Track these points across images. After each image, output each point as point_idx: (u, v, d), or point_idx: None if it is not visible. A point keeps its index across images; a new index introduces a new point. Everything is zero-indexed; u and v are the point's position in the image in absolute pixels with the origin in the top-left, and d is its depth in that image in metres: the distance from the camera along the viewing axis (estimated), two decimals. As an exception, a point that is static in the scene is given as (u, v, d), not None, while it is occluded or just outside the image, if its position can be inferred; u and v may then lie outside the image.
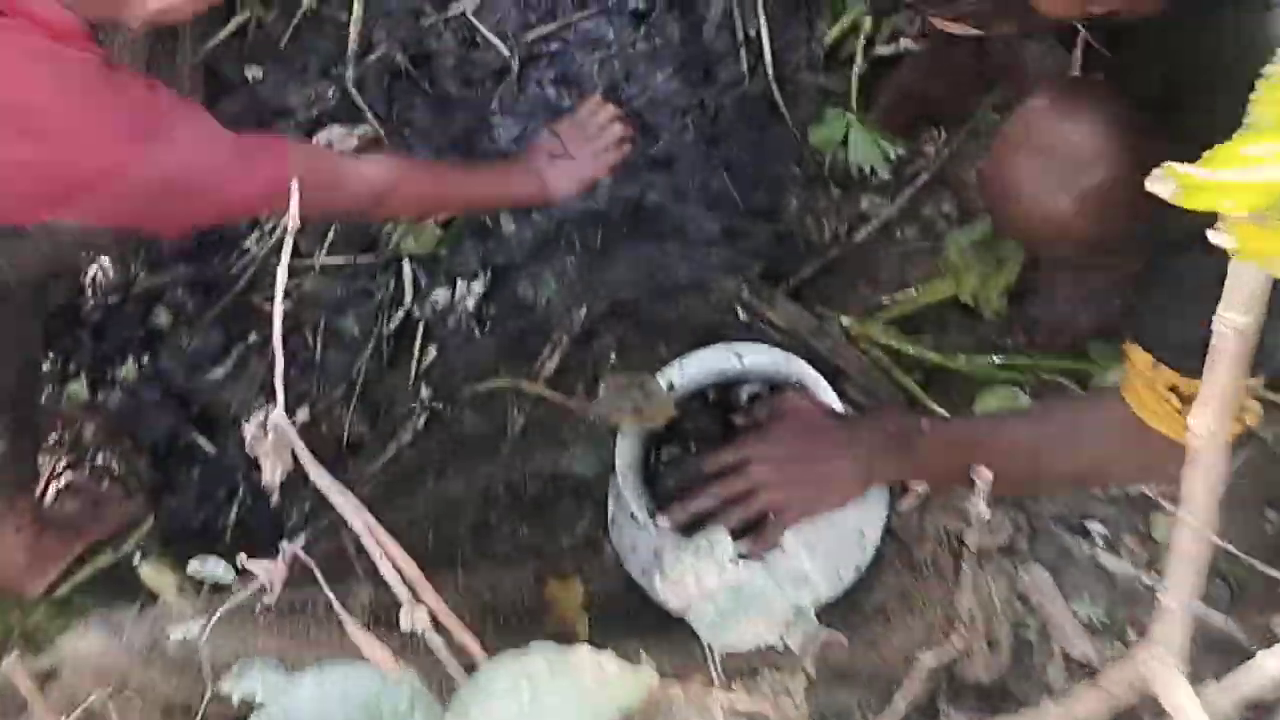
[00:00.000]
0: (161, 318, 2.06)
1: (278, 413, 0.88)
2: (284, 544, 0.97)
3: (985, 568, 1.62)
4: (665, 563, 1.58)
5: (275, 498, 1.22)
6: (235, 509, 1.95)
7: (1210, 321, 1.08)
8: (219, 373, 1.99)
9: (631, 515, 1.58)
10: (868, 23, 1.96)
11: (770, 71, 2.00)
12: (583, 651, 0.75)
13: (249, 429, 0.90)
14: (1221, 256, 1.09)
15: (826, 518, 1.50)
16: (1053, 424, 1.33)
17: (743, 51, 2.03)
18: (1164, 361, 1.17)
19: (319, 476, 0.87)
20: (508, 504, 1.82)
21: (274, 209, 1.53)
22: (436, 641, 0.86)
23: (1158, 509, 1.67)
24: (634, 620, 1.55)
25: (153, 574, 1.76)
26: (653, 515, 1.53)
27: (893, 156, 1.88)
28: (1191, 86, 1.13)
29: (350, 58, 2.10)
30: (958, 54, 1.83)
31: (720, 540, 1.47)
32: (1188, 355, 1.11)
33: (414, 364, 1.99)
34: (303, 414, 1.97)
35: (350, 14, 2.12)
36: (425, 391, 1.94)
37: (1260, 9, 1.05)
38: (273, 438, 0.90)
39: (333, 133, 2.06)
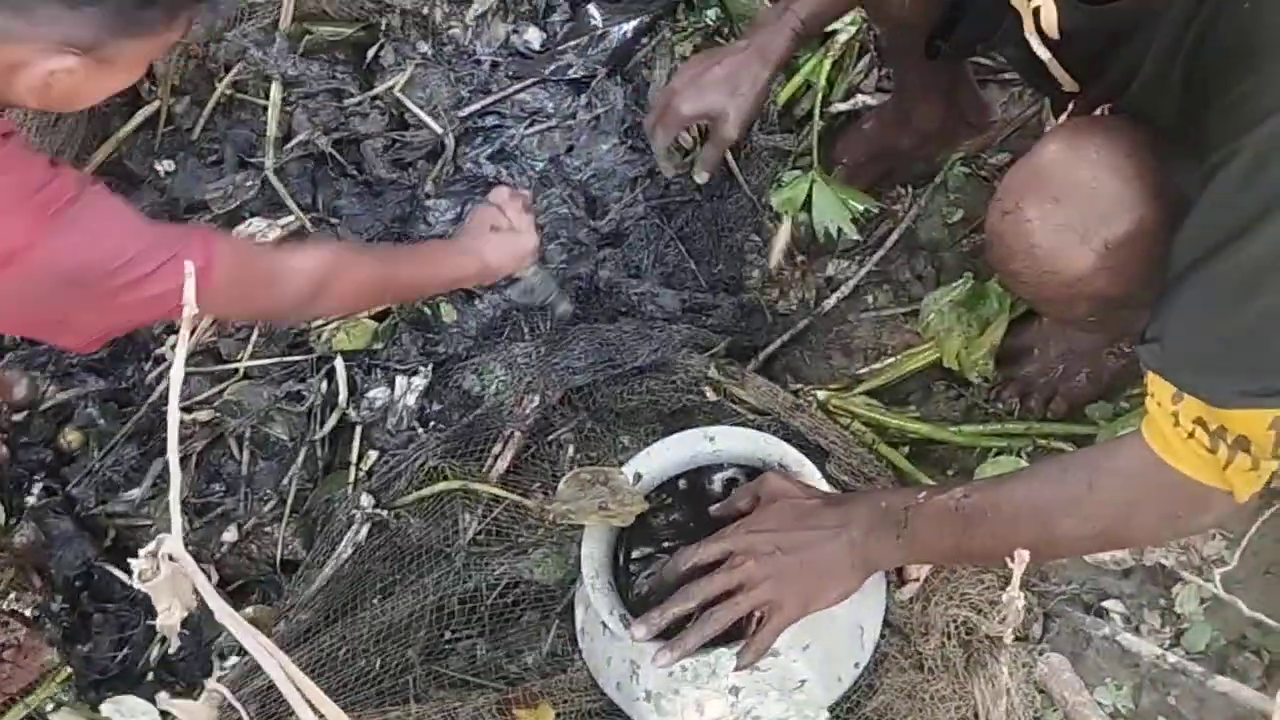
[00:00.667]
0: (71, 436, 1.87)
1: (172, 540, 0.71)
2: (208, 683, 0.81)
3: (999, 658, 1.47)
4: (646, 681, 1.42)
5: (175, 642, 1.03)
6: (159, 645, 1.75)
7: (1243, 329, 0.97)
8: (135, 494, 1.81)
9: (603, 625, 1.42)
10: (822, 79, 1.85)
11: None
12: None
13: (137, 562, 0.73)
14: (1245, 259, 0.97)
15: (823, 615, 1.35)
16: (1066, 478, 1.18)
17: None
18: (1189, 390, 1.03)
19: (225, 617, 0.70)
20: (463, 620, 1.63)
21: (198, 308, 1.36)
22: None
23: (1180, 580, 1.53)
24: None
25: (68, 726, 1.57)
26: (626, 623, 1.37)
27: (859, 215, 1.76)
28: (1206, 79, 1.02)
29: (270, 144, 1.95)
30: (923, 105, 1.73)
31: (722, 664, 1.31)
32: (1229, 384, 1.01)
33: (352, 470, 1.81)
34: (230, 534, 1.80)
35: (268, 99, 1.97)
36: (365, 500, 1.76)
37: None
38: (166, 571, 0.72)
39: (254, 225, 1.91)
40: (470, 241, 1.64)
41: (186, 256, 1.19)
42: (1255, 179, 0.96)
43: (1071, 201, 1.15)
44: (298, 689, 0.67)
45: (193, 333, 1.85)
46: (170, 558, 0.72)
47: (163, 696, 0.92)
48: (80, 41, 1.15)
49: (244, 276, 1.35)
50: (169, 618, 0.74)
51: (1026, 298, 1.35)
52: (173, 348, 1.87)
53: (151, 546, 0.72)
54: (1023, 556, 0.99)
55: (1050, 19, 1.19)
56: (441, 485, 1.70)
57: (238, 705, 0.83)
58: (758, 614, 1.32)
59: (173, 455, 0.73)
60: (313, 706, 0.68)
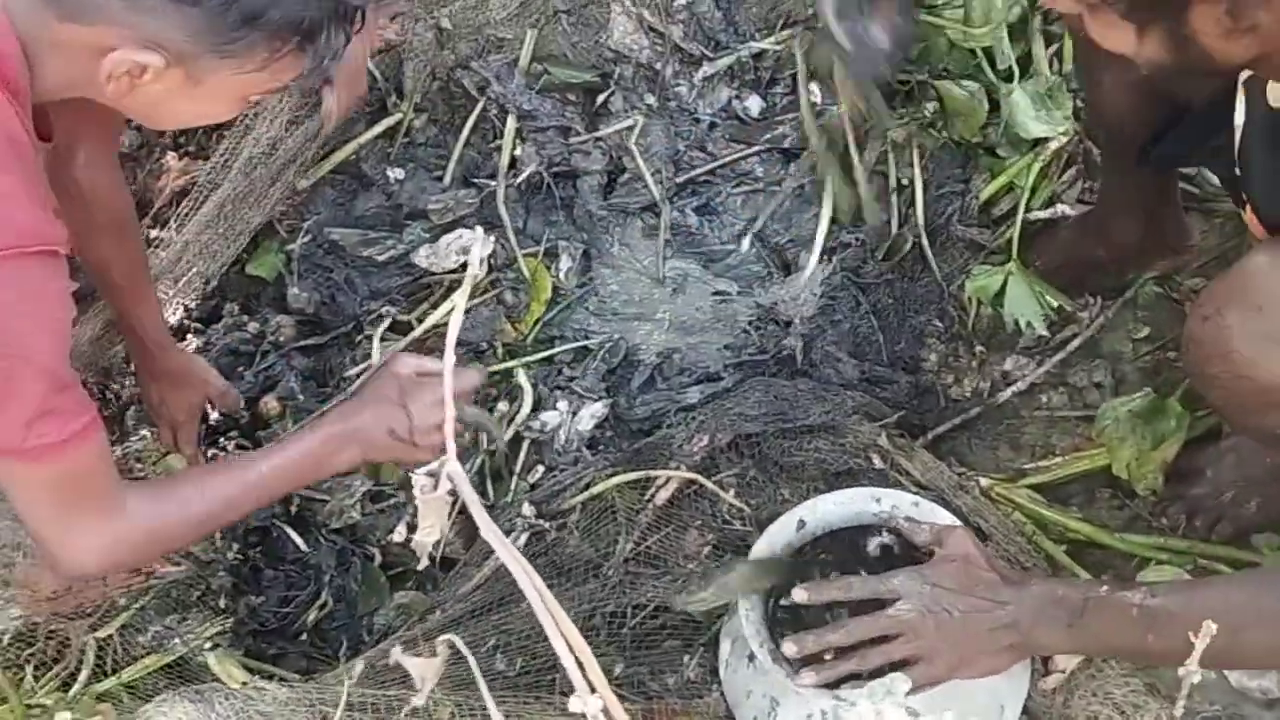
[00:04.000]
0: (270, 405, 2.00)
1: (452, 463, 0.80)
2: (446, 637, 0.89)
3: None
4: (785, 712, 1.47)
5: (424, 561, 1.12)
6: (318, 610, 1.85)
7: None
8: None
9: (749, 656, 1.46)
10: (1028, 183, 1.92)
11: (921, 221, 1.95)
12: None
13: (418, 477, 0.82)
14: None
15: (969, 686, 1.38)
16: (1264, 593, 1.22)
17: (894, 198, 1.98)
18: None
19: (489, 532, 0.78)
20: (608, 637, 1.70)
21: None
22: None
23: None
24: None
25: (219, 667, 1.66)
26: (775, 658, 1.42)
27: (1051, 311, 1.81)
28: None
29: (502, 170, 2.09)
30: (1123, 219, 1.77)
31: (898, 686, 1.35)
32: None
33: (515, 479, 1.91)
34: (400, 530, 1.88)
35: (503, 126, 2.12)
36: (528, 509, 1.86)
37: None
38: (443, 490, 0.81)
39: (467, 238, 2.05)
40: (357, 437, 1.45)
41: (68, 419, 1.16)
42: None
43: (1274, 310, 1.18)
44: (547, 609, 0.75)
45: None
46: (449, 478, 0.81)
47: (396, 650, 0.99)
48: (171, 43, 1.13)
49: (76, 485, 1.24)
50: (429, 535, 0.83)
51: (1217, 404, 1.37)
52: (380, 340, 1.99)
53: (434, 465, 0.82)
54: (1194, 676, 1.01)
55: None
56: (601, 487, 1.77)
57: (468, 654, 0.90)
58: None
59: (448, 382, 0.82)
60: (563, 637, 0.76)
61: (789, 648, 1.38)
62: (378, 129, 2.17)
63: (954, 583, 1.34)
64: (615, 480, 1.82)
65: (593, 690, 0.72)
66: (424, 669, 0.92)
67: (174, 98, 1.19)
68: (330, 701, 1.31)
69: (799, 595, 1.41)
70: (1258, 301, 1.19)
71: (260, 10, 1.13)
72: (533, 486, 1.90)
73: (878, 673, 1.35)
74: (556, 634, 0.73)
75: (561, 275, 2.05)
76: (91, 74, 1.15)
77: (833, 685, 1.37)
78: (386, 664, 1.30)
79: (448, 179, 2.12)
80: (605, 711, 0.72)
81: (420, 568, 1.73)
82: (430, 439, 1.44)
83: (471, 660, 0.86)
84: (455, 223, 2.09)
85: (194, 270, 2.02)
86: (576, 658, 0.74)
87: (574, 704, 0.72)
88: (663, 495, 1.82)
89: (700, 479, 1.78)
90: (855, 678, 1.36)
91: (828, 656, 1.38)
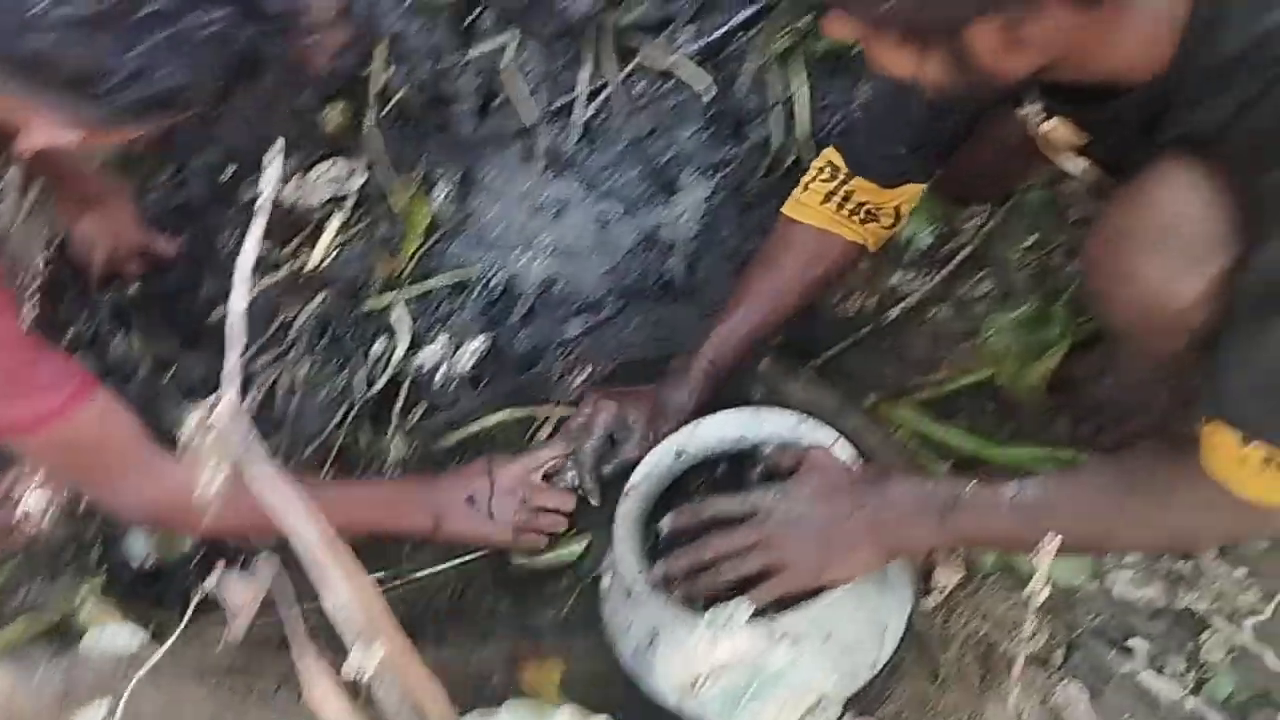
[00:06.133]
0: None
1: (227, 399, 0.74)
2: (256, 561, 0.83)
3: (1016, 679, 1.45)
4: (664, 641, 1.43)
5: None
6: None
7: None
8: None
9: (628, 590, 1.42)
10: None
11: (805, 133, 1.89)
12: (565, 714, 0.59)
13: (188, 423, 0.75)
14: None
15: (849, 605, 1.35)
16: (1134, 497, 1.21)
17: (775, 111, 1.92)
18: (1264, 439, 1.07)
19: (257, 472, 0.72)
20: (490, 578, 1.66)
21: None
22: (390, 698, 0.70)
23: (1209, 627, 1.51)
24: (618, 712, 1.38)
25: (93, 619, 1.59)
26: (651, 586, 1.39)
27: (940, 224, 1.76)
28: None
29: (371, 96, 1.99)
30: (1008, 125, 1.72)
31: (740, 610, 1.32)
32: None
33: (393, 421, 1.84)
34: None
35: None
36: (404, 448, 1.80)
37: None
38: (220, 430, 0.75)
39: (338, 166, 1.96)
40: (433, 497, 1.55)
41: (33, 401, 1.18)
42: None
43: (1182, 230, 1.13)
44: (332, 557, 0.69)
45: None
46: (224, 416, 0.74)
47: (213, 577, 0.92)
48: (81, 122, 1.08)
49: (88, 450, 1.27)
50: (210, 483, 0.77)
51: (1121, 327, 1.34)
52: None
53: (203, 411, 0.75)
54: (1043, 587, 0.98)
55: (1063, 136, 1.24)
56: (478, 425, 1.73)
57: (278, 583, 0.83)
58: None
59: (235, 317, 0.75)
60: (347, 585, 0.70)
61: (656, 571, 1.38)
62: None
63: (810, 492, 1.34)
64: (497, 417, 1.77)
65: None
66: (241, 595, 0.86)
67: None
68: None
69: (665, 523, 1.40)
70: (1161, 221, 1.14)
71: (165, 98, 1.05)
72: (411, 428, 1.84)
73: (746, 586, 1.34)
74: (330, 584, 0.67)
75: (438, 204, 1.97)
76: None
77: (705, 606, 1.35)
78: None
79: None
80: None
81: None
82: (508, 514, 1.56)
83: (287, 584, 0.78)
84: (327, 154, 2.00)
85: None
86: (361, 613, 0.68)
87: (351, 659, 0.66)
88: (545, 431, 1.77)
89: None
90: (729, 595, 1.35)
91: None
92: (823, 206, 1.53)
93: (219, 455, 0.75)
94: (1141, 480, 1.22)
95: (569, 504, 1.62)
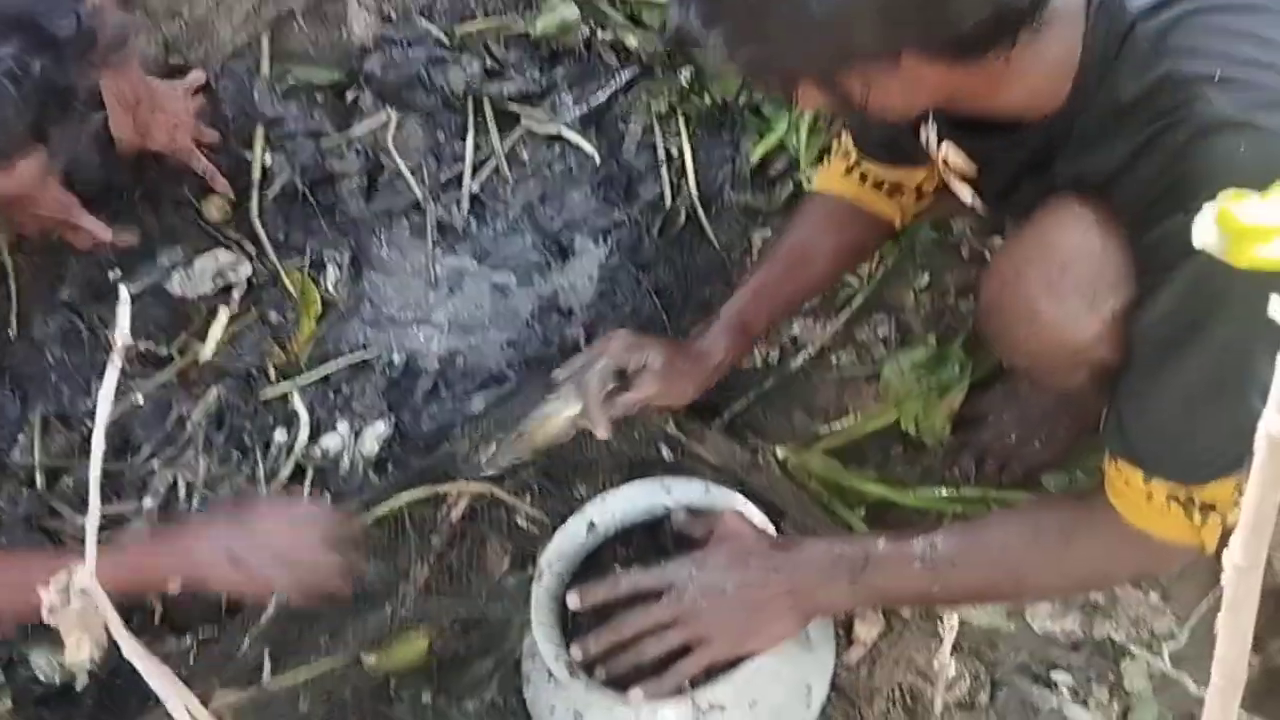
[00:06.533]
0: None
1: (84, 572, 0.71)
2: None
3: (943, 726, 1.46)
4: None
5: (83, 679, 1.02)
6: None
7: (1216, 424, 1.04)
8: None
9: (548, 672, 1.40)
10: (800, 138, 1.87)
11: (694, 191, 1.90)
12: None
13: (47, 594, 0.72)
14: (1221, 352, 1.02)
15: (772, 670, 1.35)
16: (1041, 540, 1.22)
17: (664, 170, 1.92)
18: (1166, 477, 1.10)
19: (133, 653, 0.69)
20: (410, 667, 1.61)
21: None
22: None
23: (1128, 655, 1.52)
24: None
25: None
26: (572, 670, 1.37)
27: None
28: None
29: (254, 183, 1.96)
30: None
31: (667, 703, 1.31)
32: (1195, 468, 1.09)
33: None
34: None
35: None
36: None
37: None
38: (79, 605, 0.72)
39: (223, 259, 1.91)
40: (188, 551, 1.40)
41: None
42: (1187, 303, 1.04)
43: (1079, 269, 1.12)
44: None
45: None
46: (83, 592, 0.71)
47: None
48: None
49: None
50: (77, 653, 0.73)
51: (1022, 366, 1.35)
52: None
53: (63, 579, 0.72)
54: (953, 626, 0.99)
55: (956, 163, 1.25)
56: (395, 502, 1.68)
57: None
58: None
59: (94, 484, 0.72)
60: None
61: (575, 653, 1.36)
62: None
63: (725, 561, 1.33)
64: (404, 498, 1.73)
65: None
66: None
67: None
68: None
69: (571, 602, 1.39)
70: (1060, 259, 1.13)
71: None
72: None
73: (665, 664, 1.33)
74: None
75: (330, 287, 1.93)
76: None
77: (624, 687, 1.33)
78: None
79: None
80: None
81: (80, 687, 1.50)
82: (269, 568, 1.37)
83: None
84: (211, 245, 1.96)
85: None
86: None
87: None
88: (457, 511, 1.73)
89: (492, 489, 1.70)
90: (644, 674, 1.33)
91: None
92: (845, 179, 1.52)
93: (81, 627, 0.72)
94: (1047, 527, 1.23)
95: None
